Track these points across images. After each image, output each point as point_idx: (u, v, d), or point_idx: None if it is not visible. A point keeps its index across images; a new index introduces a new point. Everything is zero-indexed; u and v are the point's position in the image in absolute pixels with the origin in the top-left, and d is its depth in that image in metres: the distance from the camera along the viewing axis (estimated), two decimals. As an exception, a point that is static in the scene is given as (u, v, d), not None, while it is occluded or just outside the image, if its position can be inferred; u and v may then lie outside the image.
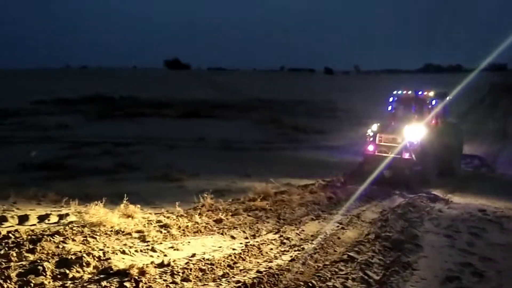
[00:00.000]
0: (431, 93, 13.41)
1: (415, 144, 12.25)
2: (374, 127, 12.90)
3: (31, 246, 4.54)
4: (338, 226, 7.54)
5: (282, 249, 5.90)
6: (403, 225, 7.91)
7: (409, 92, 13.83)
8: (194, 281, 4.44)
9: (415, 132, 12.38)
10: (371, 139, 12.80)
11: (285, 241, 6.27)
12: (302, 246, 6.03)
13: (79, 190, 9.55)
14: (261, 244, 5.96)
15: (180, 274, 4.50)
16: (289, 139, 21.57)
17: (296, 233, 6.76)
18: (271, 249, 5.84)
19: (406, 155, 12.16)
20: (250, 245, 5.87)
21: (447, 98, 14.31)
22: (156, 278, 4.28)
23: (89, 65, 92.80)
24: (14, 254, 4.30)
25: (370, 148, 12.78)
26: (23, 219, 6.06)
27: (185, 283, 4.36)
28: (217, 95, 43.51)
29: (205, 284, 4.40)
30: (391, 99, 14.08)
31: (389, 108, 14.11)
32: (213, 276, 4.67)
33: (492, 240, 7.59)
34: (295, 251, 5.80)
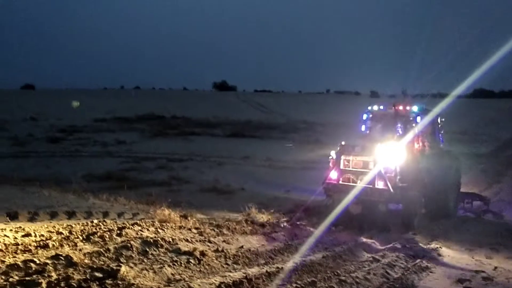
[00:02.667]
0: (415, 108, 10.57)
1: (392, 170, 9.27)
2: (339, 147, 9.91)
3: (118, 232, 5.93)
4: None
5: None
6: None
7: (386, 107, 11.04)
8: (242, 265, 5.66)
9: (393, 154, 9.43)
10: (334, 163, 9.83)
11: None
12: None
13: (142, 197, 11.10)
14: (299, 244, 7.12)
15: (231, 259, 5.74)
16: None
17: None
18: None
19: (380, 185, 9.12)
20: (289, 244, 7.05)
21: (439, 119, 11.44)
22: (213, 259, 5.53)
23: (142, 86, 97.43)
24: (107, 236, 5.69)
25: (333, 175, 9.79)
26: (105, 215, 7.55)
27: (235, 265, 5.58)
28: (262, 116, 45.07)
29: (250, 267, 5.60)
30: (364, 116, 11.30)
31: (362, 127, 11.37)
32: (257, 262, 5.89)
33: None
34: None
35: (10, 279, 3.97)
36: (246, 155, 21.46)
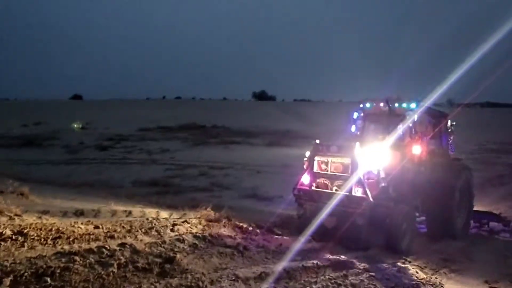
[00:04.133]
0: (412, 105, 8.87)
1: (375, 175, 7.81)
2: (313, 146, 8.40)
3: (171, 228, 6.74)
4: None
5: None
6: None
7: (381, 104, 9.32)
8: (280, 259, 6.34)
9: (376, 155, 8.01)
10: (308, 165, 8.36)
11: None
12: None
13: (187, 202, 11.93)
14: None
15: (271, 253, 6.44)
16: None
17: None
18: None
19: (358, 192, 7.57)
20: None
21: (449, 123, 10.04)
22: (255, 253, 6.27)
23: (183, 96, 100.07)
24: (162, 231, 6.51)
25: (305, 180, 8.31)
26: (157, 214, 8.43)
27: (274, 259, 6.27)
28: (301, 125, 45.56)
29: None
30: (355, 115, 9.87)
31: (352, 127, 9.88)
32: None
33: None
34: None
35: (88, 260, 4.81)
36: (285, 164, 22.07)
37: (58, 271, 4.40)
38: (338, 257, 6.80)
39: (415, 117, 8.82)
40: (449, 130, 10.08)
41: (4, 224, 5.62)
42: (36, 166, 19.04)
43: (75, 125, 36.18)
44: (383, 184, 7.83)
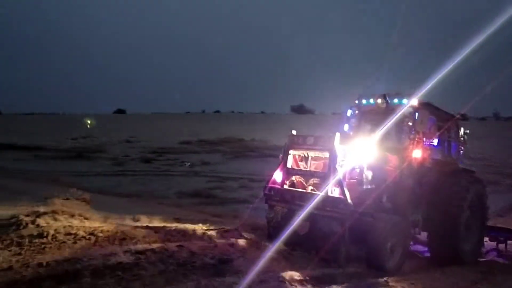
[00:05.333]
0: (414, 101, 7.65)
1: (359, 173, 6.82)
2: (288, 138, 7.39)
3: (221, 234, 7.35)
4: None
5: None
6: None
7: (379, 100, 8.14)
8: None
9: (364, 151, 6.84)
10: (281, 160, 7.39)
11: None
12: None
13: (229, 212, 12.54)
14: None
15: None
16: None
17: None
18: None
19: (335, 192, 6.48)
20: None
21: (462, 131, 8.84)
22: (297, 258, 6.73)
23: (222, 110, 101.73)
24: (213, 237, 7.11)
25: (277, 177, 7.30)
26: (204, 222, 9.05)
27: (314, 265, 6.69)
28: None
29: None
30: (349, 113, 8.82)
31: (345, 126, 8.83)
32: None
33: None
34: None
35: (152, 259, 5.47)
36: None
37: (128, 266, 5.05)
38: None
39: (416, 115, 7.61)
40: (461, 138, 8.90)
41: (76, 226, 6.35)
42: (86, 177, 20.17)
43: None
44: (368, 186, 6.77)
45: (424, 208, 7.76)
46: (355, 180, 6.84)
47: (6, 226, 6.29)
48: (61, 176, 18.57)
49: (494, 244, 9.49)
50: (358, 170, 6.84)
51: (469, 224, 8.15)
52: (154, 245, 5.99)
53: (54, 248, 5.63)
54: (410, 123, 7.73)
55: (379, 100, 8.18)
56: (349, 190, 6.37)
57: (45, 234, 6.02)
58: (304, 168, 7.20)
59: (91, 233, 6.09)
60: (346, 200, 6.27)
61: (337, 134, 6.69)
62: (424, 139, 7.72)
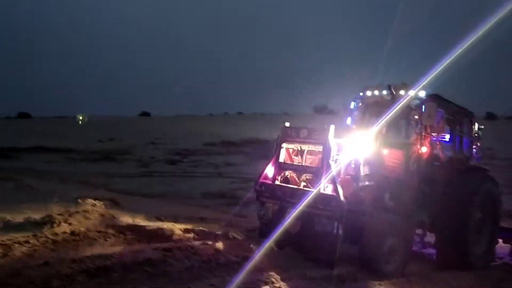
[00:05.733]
0: (421, 93, 7.16)
1: (356, 167, 6.28)
2: (281, 131, 7.02)
3: (246, 233, 7.54)
4: None
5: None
6: None
7: (384, 92, 7.56)
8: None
9: (361, 144, 6.37)
10: (273, 154, 7.02)
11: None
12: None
13: (253, 212, 12.73)
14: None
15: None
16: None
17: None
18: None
19: (328, 189, 6.10)
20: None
21: (476, 126, 8.29)
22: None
23: (244, 111, 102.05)
24: (237, 236, 7.30)
25: (269, 172, 6.94)
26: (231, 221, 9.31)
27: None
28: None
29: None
30: (352, 105, 8.31)
31: (348, 120, 8.32)
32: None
33: None
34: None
35: (178, 255, 5.69)
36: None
37: (156, 263, 5.29)
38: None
39: (423, 107, 7.06)
40: (475, 135, 8.33)
41: (106, 224, 6.65)
42: (113, 178, 20.69)
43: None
44: (366, 183, 6.31)
45: (431, 208, 7.18)
46: (355, 174, 6.28)
47: (41, 225, 6.66)
48: (90, 177, 19.11)
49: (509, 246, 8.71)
50: (353, 166, 6.28)
51: (480, 226, 7.63)
52: (180, 243, 6.23)
53: (86, 245, 5.94)
54: (416, 116, 7.20)
55: (384, 92, 7.57)
56: (343, 187, 5.98)
57: (77, 232, 6.37)
58: (299, 163, 6.76)
59: (120, 232, 6.39)
60: (339, 197, 5.86)
61: (332, 127, 6.20)
62: (432, 134, 7.22)
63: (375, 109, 8.06)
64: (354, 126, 8.15)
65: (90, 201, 8.14)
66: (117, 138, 42.43)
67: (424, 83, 7.22)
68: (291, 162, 6.85)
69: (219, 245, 6.28)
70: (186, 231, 7.20)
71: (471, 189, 7.47)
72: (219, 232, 7.30)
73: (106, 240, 6.09)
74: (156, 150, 33.45)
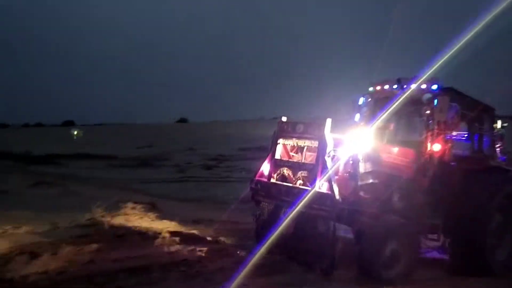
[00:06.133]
0: (435, 86, 6.59)
1: (355, 164, 5.83)
2: (278, 125, 6.65)
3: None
4: None
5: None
6: None
7: (394, 86, 7.11)
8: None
9: (362, 139, 5.94)
10: (269, 150, 6.67)
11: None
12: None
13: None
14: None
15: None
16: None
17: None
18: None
19: (324, 187, 5.69)
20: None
21: (500, 123, 7.72)
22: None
23: (280, 116, 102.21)
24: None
25: (265, 169, 6.59)
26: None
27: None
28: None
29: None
30: (361, 101, 7.82)
31: (356, 116, 7.80)
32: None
33: None
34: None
35: (211, 255, 6.00)
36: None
37: (191, 263, 5.66)
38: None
39: (435, 101, 6.53)
40: (498, 133, 7.67)
41: (145, 227, 7.10)
42: (152, 184, 21.38)
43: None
44: (370, 181, 5.85)
45: (446, 210, 6.63)
46: (353, 172, 5.84)
47: (86, 227, 7.17)
48: (130, 183, 19.86)
49: None
50: (351, 162, 5.83)
51: (501, 231, 6.95)
52: (215, 245, 6.56)
53: (127, 246, 6.37)
54: (428, 112, 6.62)
55: (394, 86, 7.09)
56: (342, 185, 5.64)
57: (119, 234, 6.82)
58: (298, 160, 6.36)
59: (158, 233, 6.80)
60: (334, 196, 5.47)
61: (328, 121, 5.79)
62: (446, 131, 6.60)
63: (384, 104, 7.14)
64: (362, 123, 7.56)
65: (130, 204, 8.66)
66: (155, 144, 43.62)
67: (429, 73, 6.65)
68: (287, 159, 6.46)
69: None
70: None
71: (490, 190, 6.81)
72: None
73: (145, 241, 6.51)
74: (193, 156, 34.18)
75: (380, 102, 7.47)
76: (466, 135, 7.59)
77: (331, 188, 5.53)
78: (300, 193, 5.76)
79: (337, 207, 5.44)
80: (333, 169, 5.63)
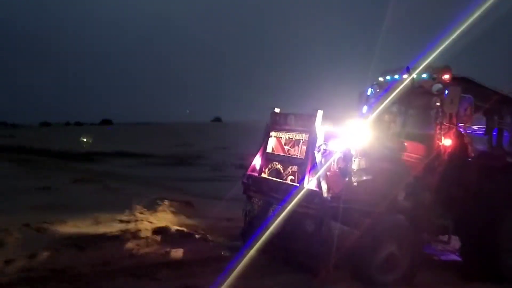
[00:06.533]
0: (446, 76, 6.14)
1: (347, 159, 5.34)
2: (270, 117, 6.25)
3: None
4: None
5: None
6: None
7: (405, 76, 6.55)
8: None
9: (359, 130, 5.50)
10: (261, 143, 6.34)
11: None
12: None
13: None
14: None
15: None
16: None
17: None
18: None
19: (312, 183, 5.25)
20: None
21: None
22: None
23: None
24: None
25: (256, 164, 6.30)
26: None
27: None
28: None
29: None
30: (369, 92, 7.29)
31: (364, 108, 7.27)
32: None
33: None
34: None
35: (249, 252, 6.17)
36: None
37: (227, 259, 5.85)
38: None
39: (446, 92, 6.04)
40: None
41: (183, 224, 7.39)
42: (188, 182, 21.83)
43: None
44: (363, 178, 5.41)
45: (458, 210, 6.15)
46: (344, 167, 5.37)
47: (126, 222, 7.51)
48: (166, 181, 20.32)
49: None
50: (342, 157, 5.35)
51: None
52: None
53: (165, 242, 6.66)
54: (438, 103, 6.12)
55: (405, 76, 6.54)
56: (334, 182, 5.23)
57: (157, 229, 7.12)
58: (289, 154, 6.05)
59: (195, 230, 7.06)
60: (321, 193, 5.06)
61: (319, 112, 5.37)
62: (458, 124, 6.14)
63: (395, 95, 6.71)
64: (370, 115, 6.89)
65: (167, 202, 8.98)
66: (191, 143, 44.34)
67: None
68: (278, 153, 6.13)
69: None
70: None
71: (508, 190, 6.29)
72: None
73: (183, 237, 6.81)
74: (228, 156, 34.52)
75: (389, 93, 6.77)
76: (483, 129, 7.03)
77: (319, 185, 5.11)
78: (289, 189, 5.44)
79: (324, 205, 5.05)
80: (322, 164, 5.24)
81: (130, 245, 6.39)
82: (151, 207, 8.71)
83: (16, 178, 13.00)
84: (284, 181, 5.75)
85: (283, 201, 5.39)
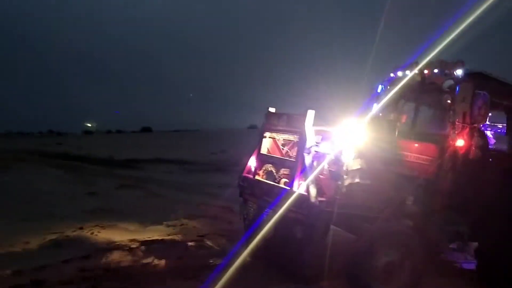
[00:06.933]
0: (458, 71, 5.69)
1: (337, 161, 5.00)
2: (265, 117, 6.06)
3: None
4: None
5: None
6: None
7: (416, 71, 6.22)
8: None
9: (353, 132, 5.06)
10: (256, 144, 6.16)
11: None
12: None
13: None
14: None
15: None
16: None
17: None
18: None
19: (302, 187, 4.97)
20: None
21: None
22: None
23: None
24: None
25: (251, 165, 6.17)
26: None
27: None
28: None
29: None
30: (379, 88, 6.92)
31: (374, 106, 6.87)
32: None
33: None
34: None
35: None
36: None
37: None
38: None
39: (457, 88, 5.64)
40: None
41: (224, 229, 7.71)
42: (226, 188, 22.22)
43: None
44: (357, 180, 5.04)
45: (474, 214, 5.75)
46: (337, 169, 5.05)
47: (172, 226, 7.91)
48: (205, 187, 20.80)
49: None
50: (334, 159, 5.04)
51: None
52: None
53: (209, 244, 6.97)
54: (449, 101, 5.75)
55: (417, 71, 6.17)
56: (326, 186, 4.97)
57: (201, 233, 7.46)
58: (281, 156, 5.88)
59: (235, 235, 7.35)
60: (309, 198, 4.80)
61: (310, 112, 5.08)
62: (471, 123, 5.65)
63: (406, 92, 6.57)
64: (380, 114, 6.81)
65: (208, 207, 9.33)
66: (227, 150, 44.88)
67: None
68: (271, 154, 5.93)
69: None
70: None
71: None
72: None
73: (223, 239, 7.10)
74: (263, 162, 34.84)
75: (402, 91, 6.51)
76: (503, 128, 6.63)
77: (307, 189, 4.85)
78: (280, 193, 5.21)
79: (312, 210, 4.77)
80: (313, 167, 4.97)
81: (176, 248, 6.72)
82: (194, 212, 9.08)
83: (65, 183, 13.67)
84: (276, 184, 5.56)
85: (272, 205, 5.20)
